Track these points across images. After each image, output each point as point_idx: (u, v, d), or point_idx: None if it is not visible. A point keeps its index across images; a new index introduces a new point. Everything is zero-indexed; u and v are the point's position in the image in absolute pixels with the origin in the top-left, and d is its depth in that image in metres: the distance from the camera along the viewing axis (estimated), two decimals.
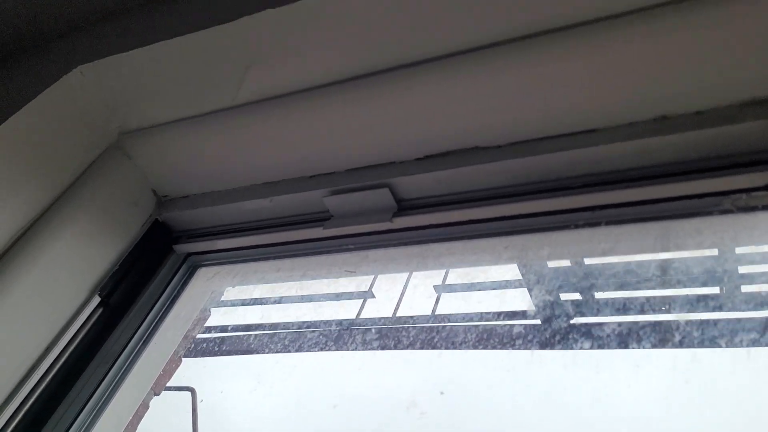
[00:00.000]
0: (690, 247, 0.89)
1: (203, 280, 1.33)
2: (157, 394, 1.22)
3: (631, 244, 0.94)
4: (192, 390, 1.19)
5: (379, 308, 1.15)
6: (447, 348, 1.06)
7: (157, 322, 1.23)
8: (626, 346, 0.89)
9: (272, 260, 1.27)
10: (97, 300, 1.16)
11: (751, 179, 0.87)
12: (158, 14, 1.15)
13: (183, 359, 1.29)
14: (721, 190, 0.89)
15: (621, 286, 0.97)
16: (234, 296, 1.32)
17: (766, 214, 0.87)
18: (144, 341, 1.20)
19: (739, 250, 0.94)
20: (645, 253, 0.92)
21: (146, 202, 1.29)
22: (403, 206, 1.11)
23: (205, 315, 1.32)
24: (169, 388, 1.22)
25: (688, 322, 0.89)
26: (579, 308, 1.01)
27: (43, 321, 1.08)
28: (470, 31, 0.92)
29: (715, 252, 0.93)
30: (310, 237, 1.20)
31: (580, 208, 0.98)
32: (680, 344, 0.87)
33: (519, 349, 0.97)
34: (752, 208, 0.88)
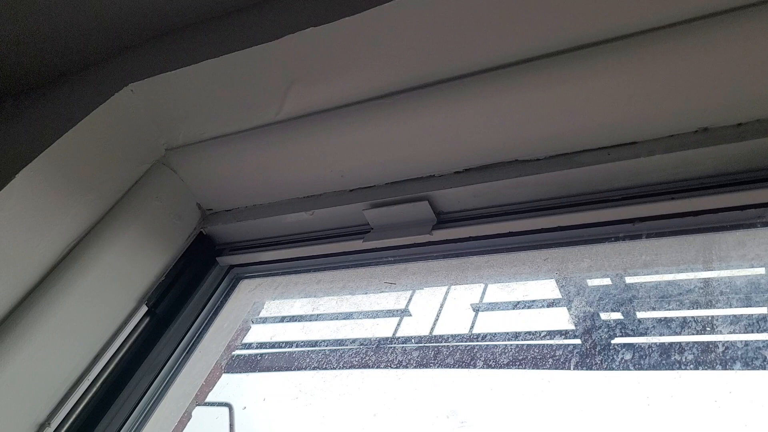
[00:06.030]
0: (733, 260, 0.88)
1: (245, 291, 1.36)
2: (200, 404, 1.24)
3: (672, 257, 0.93)
4: (229, 406, 1.21)
5: (416, 326, 1.17)
6: (485, 366, 1.06)
7: (201, 332, 1.26)
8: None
9: (313, 272, 1.29)
10: (144, 309, 1.20)
11: None
12: (205, 34, 1.19)
13: (224, 374, 1.31)
14: (764, 202, 0.88)
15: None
16: (274, 312, 1.35)
17: None
18: (188, 350, 1.23)
19: None
20: (687, 265, 0.92)
21: (191, 216, 1.33)
22: (443, 219, 1.12)
23: (246, 326, 1.34)
24: (207, 404, 1.24)
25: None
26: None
27: (94, 329, 1.11)
28: (510, 46, 0.94)
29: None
30: (350, 249, 1.22)
31: (620, 221, 0.98)
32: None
33: (557, 368, 0.97)
34: None
